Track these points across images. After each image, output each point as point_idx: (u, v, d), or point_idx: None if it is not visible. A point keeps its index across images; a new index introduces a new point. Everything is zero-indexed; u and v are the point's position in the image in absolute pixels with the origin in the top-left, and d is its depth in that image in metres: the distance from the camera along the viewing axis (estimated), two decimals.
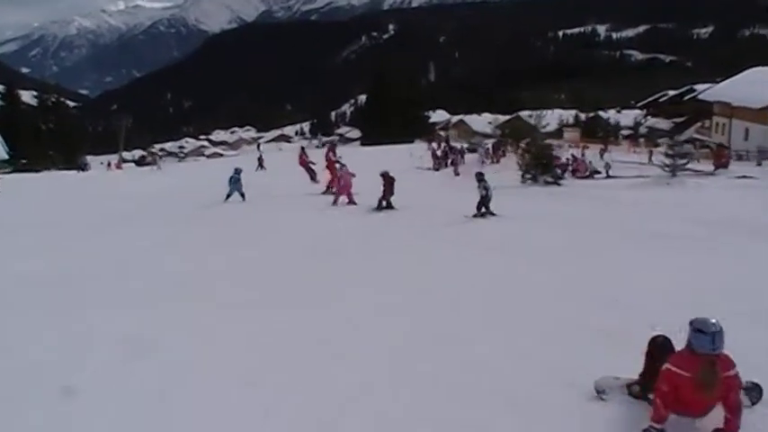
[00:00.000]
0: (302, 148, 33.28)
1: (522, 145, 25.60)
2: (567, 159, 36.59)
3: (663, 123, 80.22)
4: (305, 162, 29.23)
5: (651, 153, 44.95)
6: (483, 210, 17.30)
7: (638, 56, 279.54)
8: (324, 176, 24.74)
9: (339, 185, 21.34)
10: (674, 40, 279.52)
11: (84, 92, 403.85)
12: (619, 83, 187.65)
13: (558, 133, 71.20)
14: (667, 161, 22.37)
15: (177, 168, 63.35)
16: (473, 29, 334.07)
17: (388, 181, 19.95)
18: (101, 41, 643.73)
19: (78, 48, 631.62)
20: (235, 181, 22.64)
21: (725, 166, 35.47)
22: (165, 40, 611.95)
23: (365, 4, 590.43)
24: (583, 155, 42.71)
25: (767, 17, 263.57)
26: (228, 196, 22.49)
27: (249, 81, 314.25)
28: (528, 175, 23.78)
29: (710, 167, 36.51)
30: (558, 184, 23.11)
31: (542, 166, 23.23)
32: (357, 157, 42.07)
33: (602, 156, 43.94)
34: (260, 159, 46.25)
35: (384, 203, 19.54)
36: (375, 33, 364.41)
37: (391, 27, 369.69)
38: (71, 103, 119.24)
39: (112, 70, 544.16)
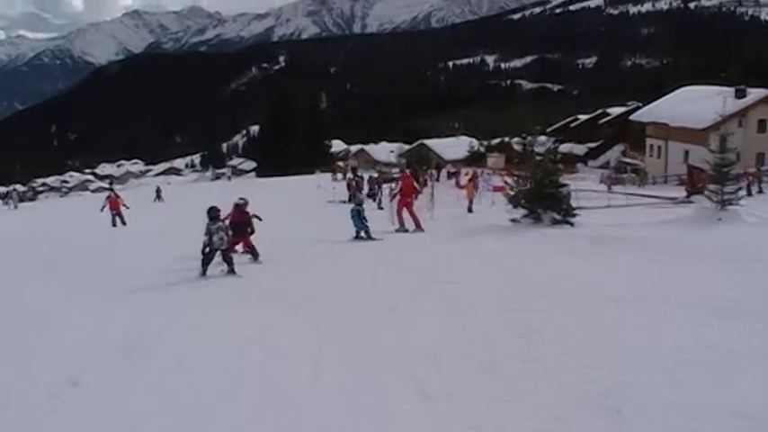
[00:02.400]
0: (112, 190, 31.96)
1: (516, 171, 18.74)
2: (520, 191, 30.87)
3: (577, 148, 76.84)
4: (118, 206, 27.09)
5: (611, 180, 39.63)
6: (204, 267, 12.68)
7: (527, 85, 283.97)
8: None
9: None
10: (561, 70, 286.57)
11: None
12: (511, 111, 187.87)
13: (466, 161, 67.42)
14: (714, 189, 16.41)
15: (48, 205, 55.69)
16: (363, 60, 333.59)
17: (241, 218, 14.52)
18: None
19: None
20: (356, 213, 17.77)
21: (701, 192, 30.32)
22: (49, 72, 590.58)
23: (255, 36, 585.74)
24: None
25: (646, 47, 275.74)
26: (358, 233, 17.73)
27: (137, 113, 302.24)
28: (524, 211, 17.13)
29: (680, 195, 31.70)
30: (570, 224, 16.66)
31: (548, 198, 16.74)
32: (255, 191, 35.80)
33: None
34: (158, 190, 46.49)
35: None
36: (265, 65, 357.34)
37: (281, 58, 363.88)
38: None
39: None
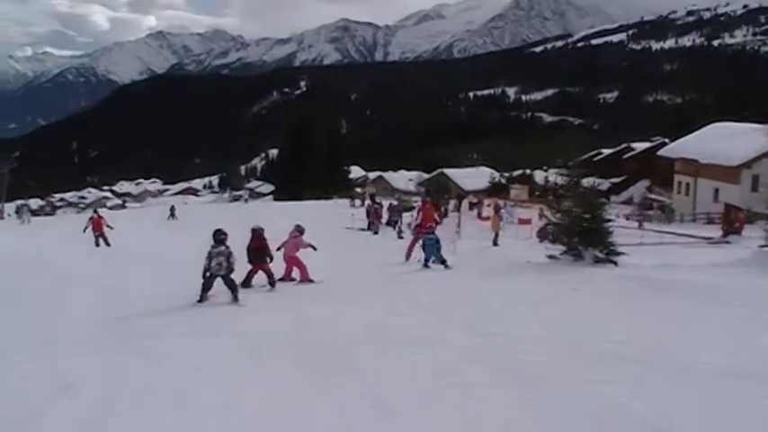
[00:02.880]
0: (96, 211, 30.88)
1: (555, 205, 17.38)
2: (547, 224, 29.65)
3: (601, 183, 75.41)
4: (101, 227, 26.65)
5: (642, 216, 38.24)
6: (202, 293, 12.14)
7: (547, 118, 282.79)
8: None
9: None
10: (582, 104, 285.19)
11: None
12: (531, 143, 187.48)
13: (486, 192, 66.40)
14: None
15: (63, 221, 54.67)
16: (384, 88, 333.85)
17: (259, 242, 13.91)
18: (6, 87, 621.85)
19: None
20: (433, 244, 17.27)
21: (738, 231, 28.98)
22: (73, 89, 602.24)
23: (277, 61, 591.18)
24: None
25: (668, 84, 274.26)
26: (426, 262, 17.23)
27: (158, 133, 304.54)
28: (563, 247, 15.84)
29: (715, 234, 30.28)
30: (615, 263, 15.30)
31: (590, 233, 15.43)
32: (272, 215, 34.87)
33: None
34: (172, 209, 47.56)
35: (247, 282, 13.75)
36: (287, 89, 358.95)
37: (303, 83, 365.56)
38: None
39: (17, 117, 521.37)
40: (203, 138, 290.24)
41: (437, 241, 17.37)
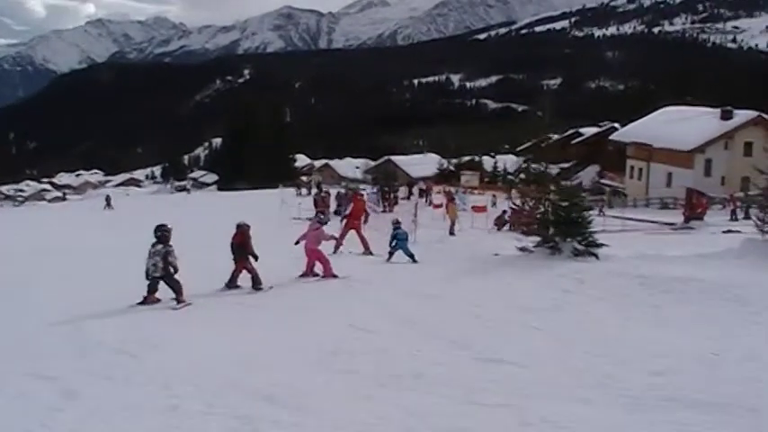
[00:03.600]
0: None
1: (530, 192, 15.90)
2: (504, 212, 28.51)
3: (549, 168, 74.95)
4: None
5: (603, 202, 37.41)
6: (146, 294, 10.93)
7: (491, 104, 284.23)
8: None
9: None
10: (526, 91, 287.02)
11: None
12: (476, 130, 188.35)
13: (434, 179, 65.72)
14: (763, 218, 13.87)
15: None
16: (328, 75, 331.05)
17: (242, 237, 12.55)
18: None
19: None
20: (402, 239, 16.98)
21: (700, 217, 28.16)
22: (9, 78, 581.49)
23: (219, 49, 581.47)
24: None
25: (610, 70, 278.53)
26: (391, 255, 16.90)
27: (99, 123, 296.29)
28: (537, 239, 14.35)
29: (678, 219, 29.43)
30: (595, 255, 13.78)
31: (569, 224, 13.91)
32: (216, 206, 32.81)
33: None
34: (107, 199, 47.34)
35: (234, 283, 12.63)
36: (230, 78, 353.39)
37: (246, 71, 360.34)
38: None
39: None
40: (145, 127, 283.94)
41: (406, 238, 16.89)
